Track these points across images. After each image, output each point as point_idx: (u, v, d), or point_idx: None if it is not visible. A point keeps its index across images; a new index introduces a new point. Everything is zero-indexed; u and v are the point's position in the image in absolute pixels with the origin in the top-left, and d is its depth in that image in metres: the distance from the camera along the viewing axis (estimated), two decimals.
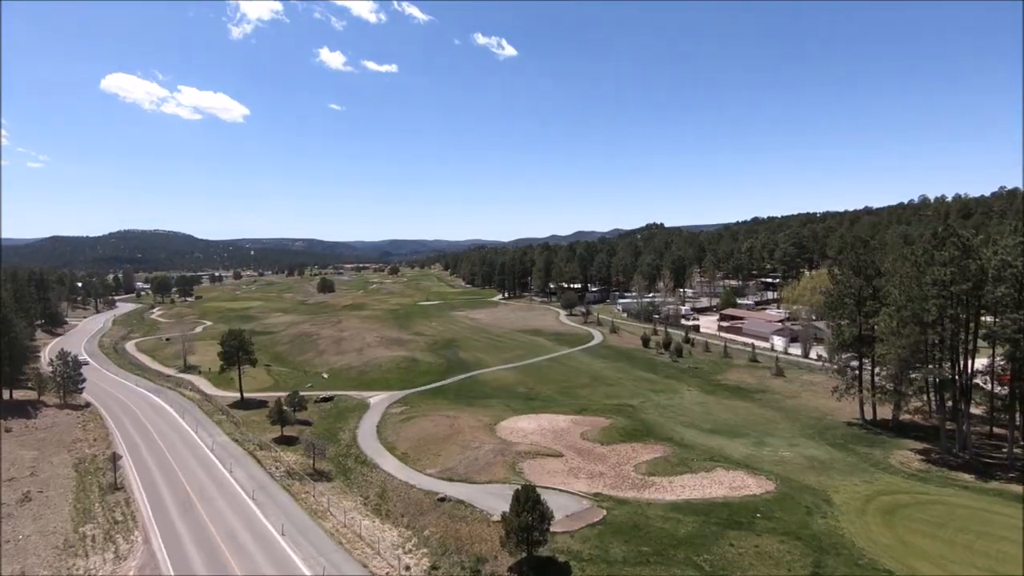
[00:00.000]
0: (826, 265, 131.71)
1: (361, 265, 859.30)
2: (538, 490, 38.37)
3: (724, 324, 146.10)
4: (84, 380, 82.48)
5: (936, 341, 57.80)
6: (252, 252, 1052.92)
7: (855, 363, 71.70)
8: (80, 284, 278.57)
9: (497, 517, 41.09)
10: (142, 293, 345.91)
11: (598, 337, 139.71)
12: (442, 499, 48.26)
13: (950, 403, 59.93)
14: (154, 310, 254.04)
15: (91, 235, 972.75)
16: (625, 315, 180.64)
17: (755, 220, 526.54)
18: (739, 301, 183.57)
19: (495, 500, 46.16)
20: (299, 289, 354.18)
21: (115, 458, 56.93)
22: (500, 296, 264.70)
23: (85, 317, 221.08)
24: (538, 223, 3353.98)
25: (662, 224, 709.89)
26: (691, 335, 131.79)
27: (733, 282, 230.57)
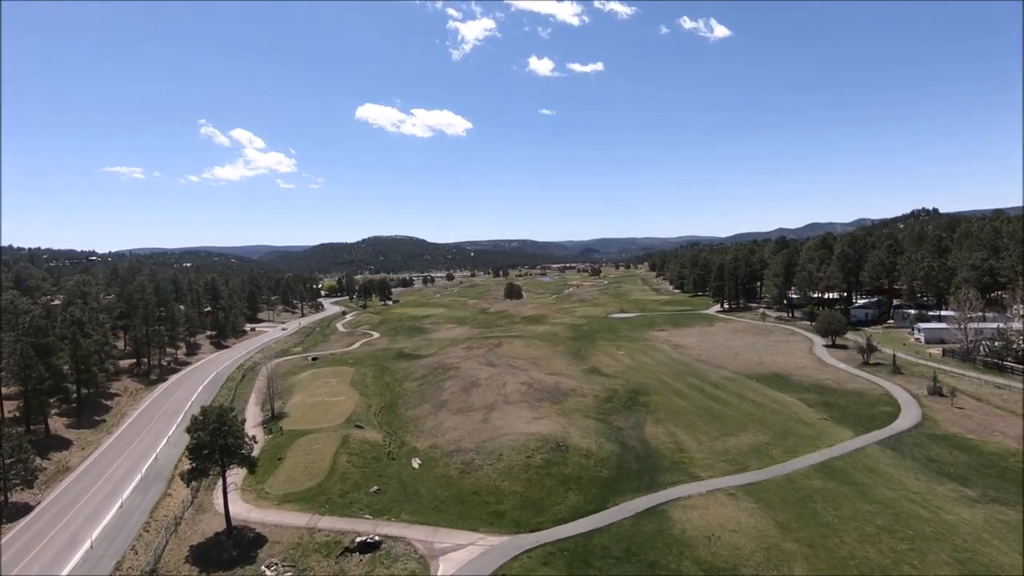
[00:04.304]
0: None
1: (567, 265, 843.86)
2: None
3: None
4: (38, 471, 53.68)
5: None
6: (472, 254, 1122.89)
7: None
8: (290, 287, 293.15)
9: None
10: (354, 296, 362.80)
11: (909, 406, 76.30)
12: None
13: None
14: (346, 315, 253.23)
15: (348, 241, 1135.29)
16: (937, 351, 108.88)
17: None
18: None
19: None
20: (489, 294, 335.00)
21: None
22: (716, 307, 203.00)
23: (283, 323, 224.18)
24: (761, 216, 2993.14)
25: (935, 210, 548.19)
26: None
27: None
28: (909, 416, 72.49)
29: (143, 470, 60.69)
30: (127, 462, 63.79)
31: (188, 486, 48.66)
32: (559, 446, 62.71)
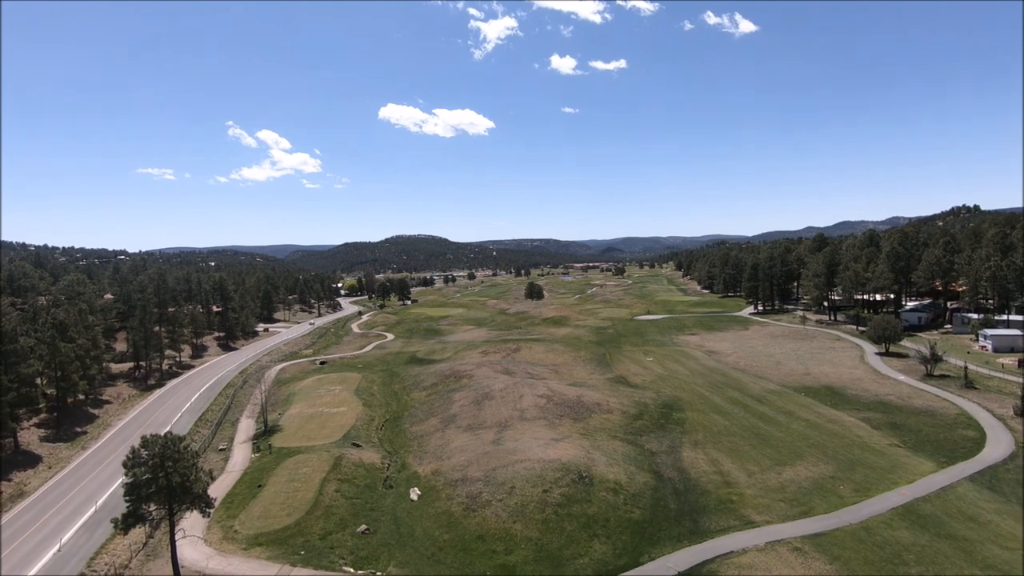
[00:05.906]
0: None
1: (591, 264, 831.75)
2: None
3: None
4: None
5: None
6: (494, 253, 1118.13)
7: None
8: (307, 286, 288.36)
9: None
10: (373, 295, 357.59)
11: (995, 430, 64.82)
12: None
13: None
14: (363, 316, 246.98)
15: (372, 241, 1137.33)
16: (1010, 362, 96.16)
17: None
18: None
19: None
20: (510, 294, 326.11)
21: None
22: (749, 309, 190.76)
23: (298, 323, 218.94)
24: (789, 215, 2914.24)
25: (976, 207, 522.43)
26: None
27: None
28: (999, 443, 61.09)
29: (100, 500, 53.11)
30: (89, 487, 56.43)
31: (126, 534, 40.57)
32: (582, 477, 53.24)
